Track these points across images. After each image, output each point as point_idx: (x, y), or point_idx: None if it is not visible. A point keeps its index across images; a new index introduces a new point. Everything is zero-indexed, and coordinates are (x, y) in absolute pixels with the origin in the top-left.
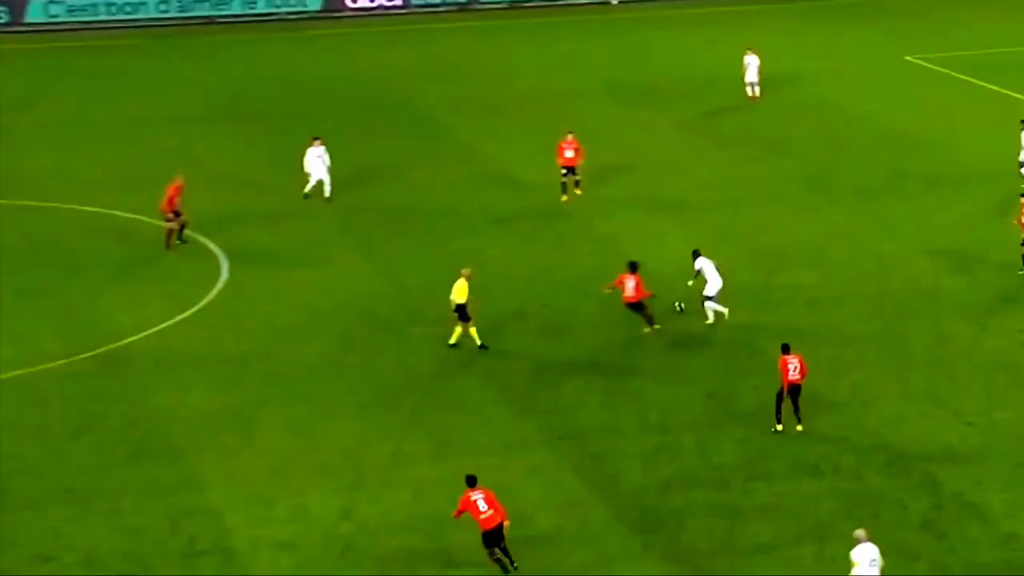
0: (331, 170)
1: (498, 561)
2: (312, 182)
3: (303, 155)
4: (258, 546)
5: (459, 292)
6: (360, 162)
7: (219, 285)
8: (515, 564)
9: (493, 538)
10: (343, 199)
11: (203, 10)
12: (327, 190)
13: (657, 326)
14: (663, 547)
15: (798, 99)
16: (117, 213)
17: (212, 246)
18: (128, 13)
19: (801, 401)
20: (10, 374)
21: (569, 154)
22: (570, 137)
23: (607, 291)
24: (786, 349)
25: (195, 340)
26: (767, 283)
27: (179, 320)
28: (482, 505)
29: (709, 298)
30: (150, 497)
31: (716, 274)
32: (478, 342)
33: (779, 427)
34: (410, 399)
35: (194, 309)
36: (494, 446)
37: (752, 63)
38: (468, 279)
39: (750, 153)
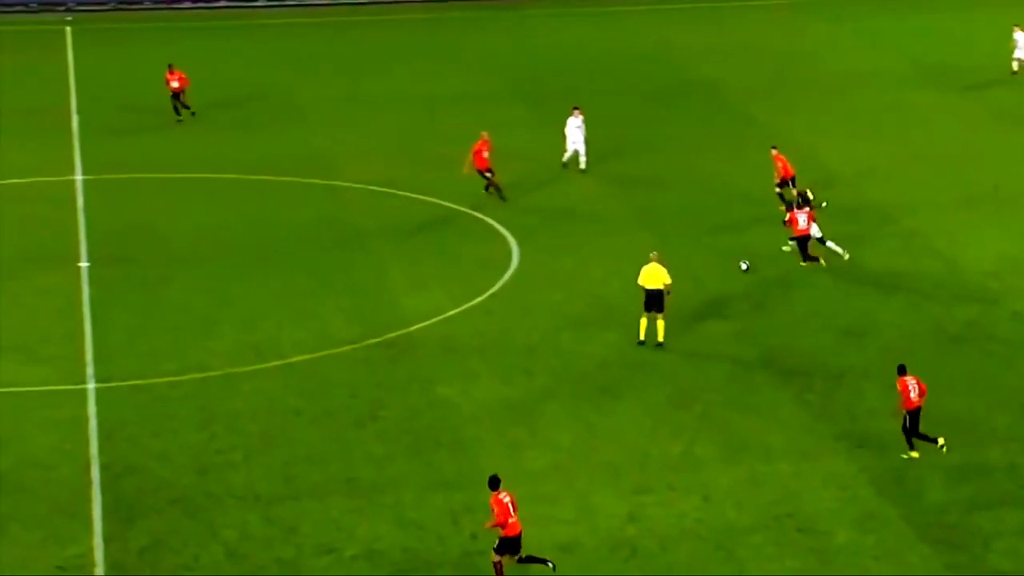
0: (587, 141)
1: (499, 571)
2: (569, 151)
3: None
4: (539, 547)
5: (650, 277)
6: (654, 147)
7: (509, 272)
8: (552, 564)
9: (514, 546)
10: (637, 189)
11: None
12: (582, 162)
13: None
14: (967, 569)
15: None
16: (407, 194)
17: (503, 230)
18: None
19: None
20: (299, 358)
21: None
22: None
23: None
24: (903, 370)
25: (483, 328)
26: None
27: (467, 308)
28: (512, 510)
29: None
30: (432, 491)
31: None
32: (641, 337)
33: (914, 454)
34: (702, 398)
35: (482, 296)
36: (788, 452)
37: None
38: (660, 263)
39: None
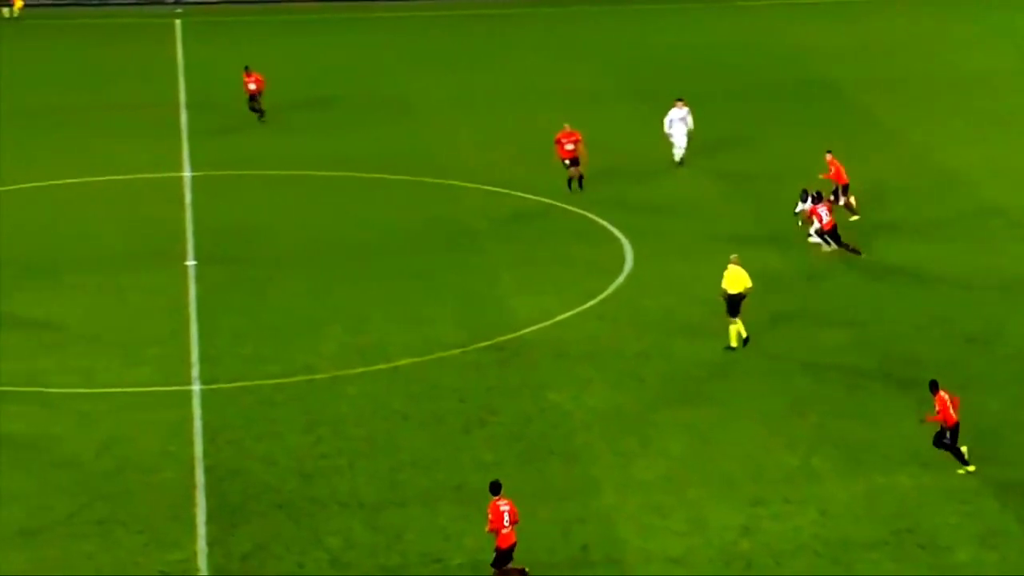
0: (691, 134)
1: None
2: (677, 147)
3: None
4: (651, 560)
5: (735, 281)
6: (771, 146)
7: (622, 275)
8: None
9: (504, 558)
10: (754, 189)
11: None
12: (678, 154)
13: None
14: None
15: None
16: (520, 194)
17: (617, 232)
18: None
19: None
20: (407, 361)
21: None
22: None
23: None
24: (936, 386)
25: (594, 333)
26: None
27: (579, 311)
28: (506, 519)
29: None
30: (542, 500)
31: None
32: (733, 343)
33: (971, 468)
34: (819, 407)
35: (595, 300)
36: (908, 464)
37: None
38: (739, 265)
39: None
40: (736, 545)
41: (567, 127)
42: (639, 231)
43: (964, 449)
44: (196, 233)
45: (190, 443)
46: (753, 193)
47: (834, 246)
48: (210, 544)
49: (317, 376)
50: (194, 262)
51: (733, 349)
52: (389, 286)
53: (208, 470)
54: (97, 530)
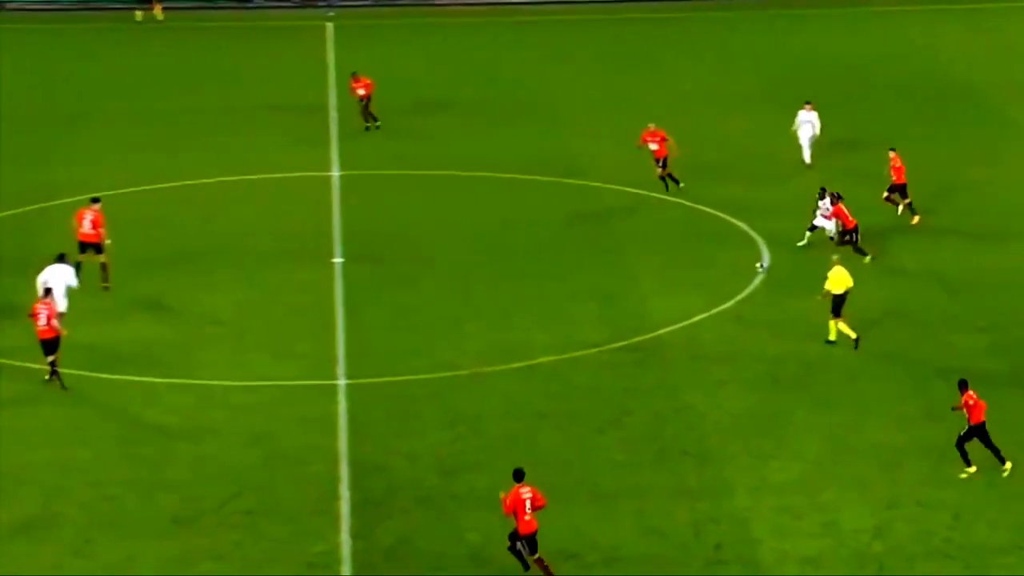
0: (815, 138)
1: (519, 554)
2: (805, 148)
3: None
4: (784, 560)
5: (839, 282)
6: (907, 150)
7: (758, 278)
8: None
9: (529, 543)
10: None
11: None
12: (806, 155)
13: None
14: None
15: None
16: (660, 196)
17: (755, 235)
18: None
19: None
20: (544, 359)
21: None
22: None
23: None
24: (965, 385)
25: (731, 335)
26: None
27: (716, 313)
28: (528, 506)
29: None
30: (676, 499)
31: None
32: (844, 335)
33: (972, 469)
34: (954, 413)
35: (732, 302)
36: None
37: None
38: (842, 266)
39: None
40: (869, 547)
41: (651, 126)
42: (777, 235)
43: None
44: (343, 232)
45: (335, 437)
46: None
47: (839, 241)
48: (353, 537)
49: (459, 373)
50: (341, 260)
51: (833, 343)
52: (530, 285)
53: (352, 464)
54: (245, 520)
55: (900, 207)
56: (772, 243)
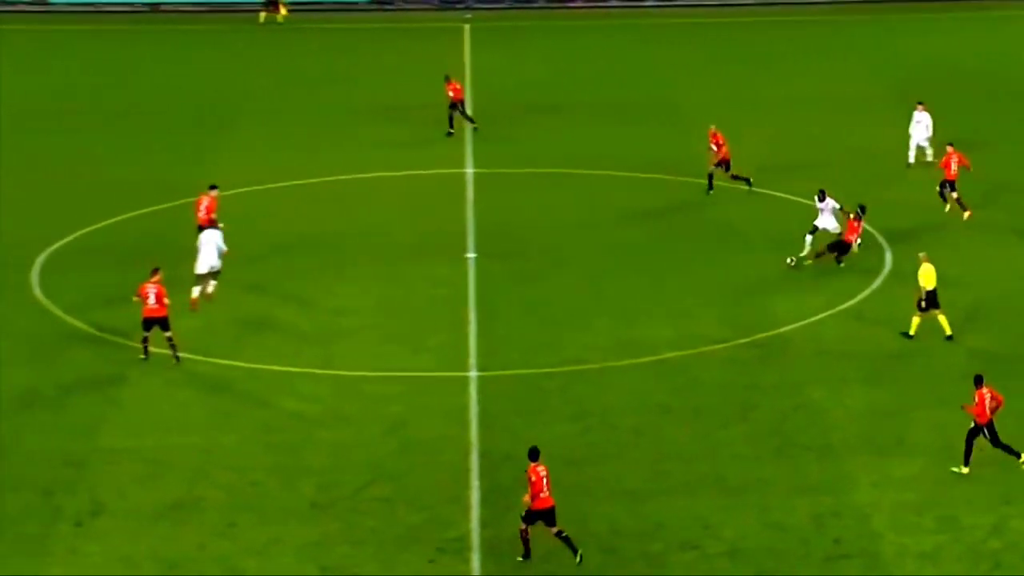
0: (931, 140)
1: (526, 541)
2: (912, 149)
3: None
4: (903, 554)
5: (927, 277)
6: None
7: (881, 276)
8: (580, 553)
9: (546, 518)
10: (1011, 195)
11: None
12: (927, 155)
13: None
14: None
15: None
16: (783, 195)
17: (876, 234)
18: None
19: None
20: (671, 354)
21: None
22: None
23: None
24: (980, 381)
25: (853, 332)
26: None
27: (838, 311)
28: (545, 484)
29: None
30: (798, 494)
31: (832, 218)
32: (947, 332)
33: (964, 469)
34: None
35: (854, 300)
36: None
37: None
38: (929, 262)
39: None
40: (985, 544)
41: (712, 128)
42: (899, 233)
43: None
44: (477, 228)
45: (467, 428)
46: (1011, 198)
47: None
48: (483, 525)
49: (587, 367)
50: (474, 255)
51: (911, 336)
52: (656, 282)
53: (483, 454)
54: (381, 507)
55: (948, 205)
56: (892, 242)
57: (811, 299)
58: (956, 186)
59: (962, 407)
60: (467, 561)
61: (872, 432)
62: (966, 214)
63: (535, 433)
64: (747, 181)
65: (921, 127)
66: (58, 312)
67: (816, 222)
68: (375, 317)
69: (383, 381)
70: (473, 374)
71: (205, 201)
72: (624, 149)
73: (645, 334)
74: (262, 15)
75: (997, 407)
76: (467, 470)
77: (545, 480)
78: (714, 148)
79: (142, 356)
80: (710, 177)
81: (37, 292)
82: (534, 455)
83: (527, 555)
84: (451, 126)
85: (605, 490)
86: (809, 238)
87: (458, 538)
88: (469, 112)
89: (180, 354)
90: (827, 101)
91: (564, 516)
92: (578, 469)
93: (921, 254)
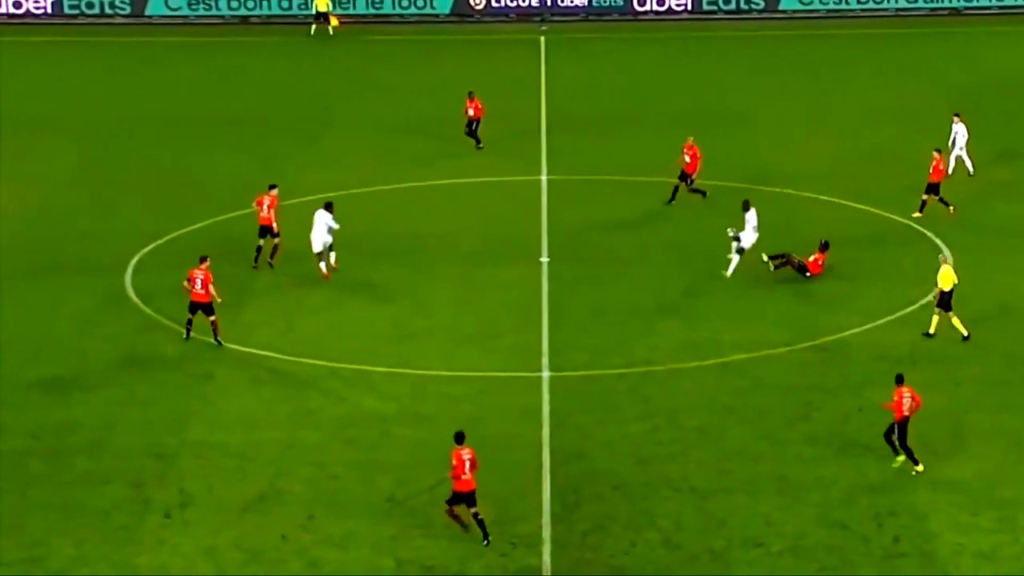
0: (963, 149)
1: (456, 518)
2: (952, 158)
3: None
4: (960, 553)
5: (944, 279)
6: None
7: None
8: (489, 538)
9: (468, 499)
10: None
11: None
12: (958, 164)
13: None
14: None
15: None
16: (851, 204)
17: (941, 244)
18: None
19: None
20: (737, 357)
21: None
22: None
23: None
24: (901, 380)
25: (913, 338)
26: None
27: (900, 316)
28: (467, 467)
29: (740, 250)
30: (858, 493)
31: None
32: (964, 332)
33: (899, 459)
34: None
35: (915, 307)
36: None
37: None
38: (948, 264)
39: None
40: None
41: (690, 140)
42: (964, 244)
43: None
44: (550, 233)
45: (538, 426)
46: None
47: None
48: (554, 521)
49: (655, 368)
50: (547, 259)
51: (931, 335)
52: (723, 286)
53: (553, 452)
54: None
55: (919, 212)
56: (960, 253)
57: (872, 305)
58: (939, 190)
59: (882, 406)
60: (539, 555)
61: (931, 433)
62: (917, 214)
63: (604, 432)
64: (703, 193)
65: (959, 139)
66: (149, 311)
67: (741, 234)
68: (450, 318)
69: (457, 380)
70: (545, 374)
71: (266, 200)
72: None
73: (710, 336)
74: (313, 27)
75: (916, 407)
76: (538, 467)
77: (468, 463)
78: (687, 159)
79: (184, 336)
80: (675, 188)
81: (130, 292)
82: (459, 439)
83: (466, 527)
84: (473, 138)
85: (671, 488)
86: (736, 258)
87: (529, 533)
88: (478, 130)
89: (258, 351)
90: (893, 112)
91: (630, 514)
92: (645, 467)
93: (941, 256)
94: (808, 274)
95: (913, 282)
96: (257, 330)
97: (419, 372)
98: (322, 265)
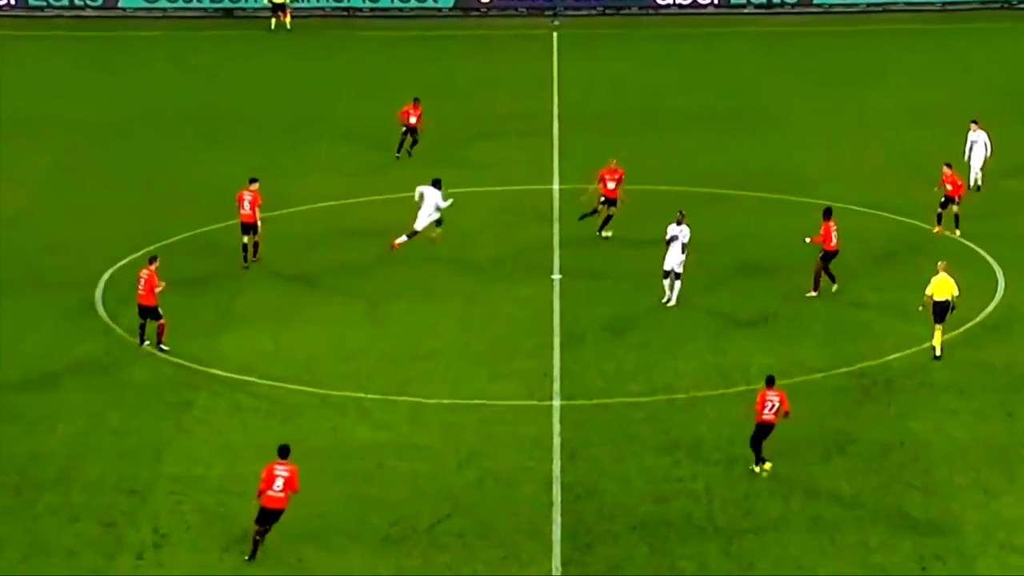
0: (987, 159)
1: (256, 543)
2: (975, 169)
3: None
4: None
5: (940, 288)
6: None
7: (993, 302)
8: (255, 556)
9: (268, 518)
10: None
11: None
12: (978, 178)
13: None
14: None
15: None
16: (889, 215)
17: (988, 257)
18: None
19: None
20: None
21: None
22: None
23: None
24: (771, 382)
25: (962, 361)
26: None
27: (946, 339)
28: (279, 484)
29: (666, 273)
30: (900, 534)
31: (678, 250)
32: (938, 351)
33: (756, 468)
34: None
35: (964, 328)
36: None
37: None
38: (946, 272)
39: None
40: None
41: (613, 163)
42: (1013, 258)
43: (768, 467)
44: (562, 247)
45: (548, 459)
46: None
47: None
48: (565, 563)
49: (677, 396)
50: (559, 276)
51: (939, 357)
52: (751, 306)
53: (565, 487)
54: (457, 542)
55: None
56: (1008, 269)
57: (918, 326)
58: (947, 205)
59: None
60: None
61: (980, 469)
62: (956, 232)
63: (621, 466)
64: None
65: (979, 146)
66: (120, 331)
67: (667, 257)
68: (455, 339)
69: (461, 408)
70: (556, 403)
71: (247, 196)
72: (716, 162)
73: (737, 360)
74: (273, 21)
75: (784, 414)
76: (548, 504)
77: (280, 479)
78: (611, 185)
79: (139, 343)
80: (594, 211)
81: (101, 309)
82: (283, 452)
83: (252, 557)
84: (410, 147)
85: (693, 527)
86: (667, 282)
87: None
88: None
89: (243, 376)
90: (937, 114)
91: (648, 557)
92: (665, 505)
93: (940, 263)
94: (830, 256)
95: (961, 302)
96: (240, 351)
97: (417, 399)
98: (433, 233)
